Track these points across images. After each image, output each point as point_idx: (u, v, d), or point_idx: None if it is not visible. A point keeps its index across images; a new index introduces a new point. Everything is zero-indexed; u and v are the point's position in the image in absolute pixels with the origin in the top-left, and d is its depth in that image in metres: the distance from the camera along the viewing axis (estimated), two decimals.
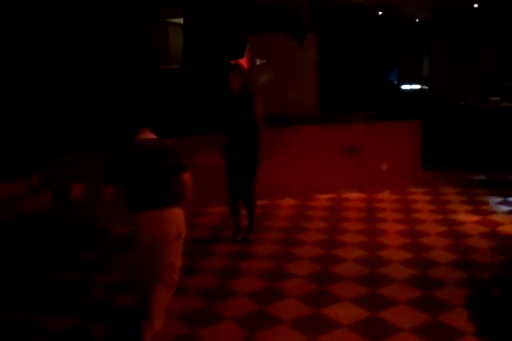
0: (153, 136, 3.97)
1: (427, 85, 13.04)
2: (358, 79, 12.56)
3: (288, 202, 7.41)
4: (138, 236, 3.85)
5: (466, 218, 6.58)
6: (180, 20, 10.96)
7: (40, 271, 5.27)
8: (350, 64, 12.62)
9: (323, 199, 7.52)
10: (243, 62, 8.70)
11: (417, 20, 13.51)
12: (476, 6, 10.59)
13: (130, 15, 9.54)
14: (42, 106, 7.66)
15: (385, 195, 7.66)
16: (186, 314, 4.37)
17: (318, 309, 4.38)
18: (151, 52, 10.92)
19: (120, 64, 9.03)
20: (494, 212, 6.78)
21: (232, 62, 6.18)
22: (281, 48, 9.96)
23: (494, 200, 7.26)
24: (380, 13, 12.04)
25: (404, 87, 13.45)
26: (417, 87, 13.32)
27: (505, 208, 6.94)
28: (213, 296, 4.68)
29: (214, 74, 8.44)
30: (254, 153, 5.76)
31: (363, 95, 11.86)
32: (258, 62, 9.44)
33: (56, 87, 7.98)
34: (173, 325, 4.16)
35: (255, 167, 5.80)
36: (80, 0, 8.34)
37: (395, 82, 13.91)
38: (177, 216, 3.89)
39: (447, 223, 6.41)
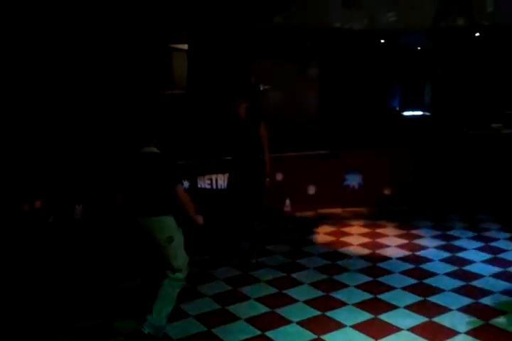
0: (155, 150, 4.29)
1: (428, 112, 13.10)
2: (360, 106, 12.64)
3: (289, 226, 7.39)
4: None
5: (469, 245, 6.56)
6: (185, 46, 11.14)
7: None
8: (352, 90, 12.72)
9: (325, 223, 7.50)
10: None
11: (419, 48, 13.69)
12: (477, 34, 10.74)
13: (137, 42, 9.70)
14: (47, 133, 7.74)
15: (385, 221, 7.64)
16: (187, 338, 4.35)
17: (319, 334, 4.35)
18: (155, 77, 11.06)
19: (127, 88, 9.15)
20: (497, 239, 6.75)
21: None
22: (283, 75, 10.07)
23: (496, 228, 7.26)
24: (382, 41, 12.20)
25: (406, 113, 13.51)
26: (419, 113, 13.38)
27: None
28: (213, 321, 4.64)
29: (218, 100, 8.54)
30: (259, 176, 5.79)
31: (365, 121, 11.92)
32: (261, 87, 9.56)
33: (63, 111, 8.08)
34: None
35: (260, 189, 5.83)
36: (87, 27, 8.50)
37: (397, 109, 13.99)
38: (165, 223, 4.19)
39: (449, 249, 6.39)
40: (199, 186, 7.01)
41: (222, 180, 7.06)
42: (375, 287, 5.29)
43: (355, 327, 4.46)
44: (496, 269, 5.71)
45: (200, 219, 4.31)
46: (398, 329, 4.40)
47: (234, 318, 4.68)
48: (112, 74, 9.11)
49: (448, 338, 4.25)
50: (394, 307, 4.83)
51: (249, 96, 5.95)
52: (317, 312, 4.75)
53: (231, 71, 9.58)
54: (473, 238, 6.80)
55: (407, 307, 4.81)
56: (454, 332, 4.34)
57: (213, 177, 7.10)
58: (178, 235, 4.24)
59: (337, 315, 4.70)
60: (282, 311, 4.79)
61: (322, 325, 4.53)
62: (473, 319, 4.56)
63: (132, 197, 4.24)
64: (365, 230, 7.20)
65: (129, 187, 4.27)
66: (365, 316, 4.66)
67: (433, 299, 4.99)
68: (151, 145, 4.27)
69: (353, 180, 7.78)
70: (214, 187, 7.14)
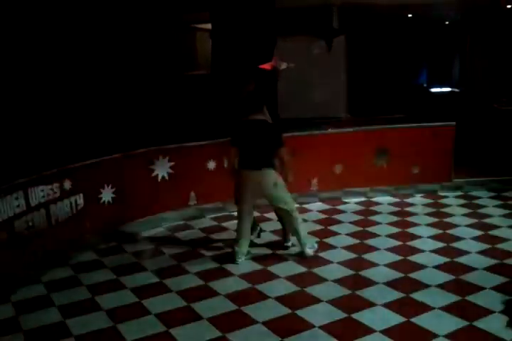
0: (262, 117, 5.29)
1: (457, 88, 12.84)
2: (387, 82, 12.43)
3: (317, 206, 7.34)
4: (242, 186, 5.36)
5: (500, 222, 6.44)
6: (208, 26, 11.02)
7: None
8: (379, 66, 12.51)
9: (353, 203, 7.44)
10: (267, 66, 8.65)
11: (447, 22, 13.33)
12: (509, 6, 10.36)
13: (160, 22, 9.63)
14: (73, 111, 7.79)
15: (416, 199, 7.55)
16: (216, 317, 4.37)
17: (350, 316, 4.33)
18: (179, 58, 11.00)
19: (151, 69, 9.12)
20: None
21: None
22: (310, 51, 9.90)
23: None
24: (410, 15, 11.90)
25: (434, 89, 13.26)
26: (447, 89, 13.12)
27: None
28: (242, 300, 4.63)
29: (242, 80, 8.44)
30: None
31: (392, 98, 11.73)
32: (285, 65, 9.40)
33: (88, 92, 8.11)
34: None
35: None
36: (109, 8, 8.46)
37: (425, 85, 13.74)
38: (271, 174, 5.29)
39: (481, 227, 6.28)
40: (225, 166, 6.98)
41: None
42: (404, 267, 5.24)
43: (387, 306, 4.43)
44: None
45: (291, 177, 5.36)
46: (430, 308, 4.36)
47: (264, 297, 4.68)
48: (135, 56, 9.09)
49: (482, 317, 4.19)
50: (425, 286, 4.78)
51: (258, 78, 5.89)
52: (348, 292, 4.73)
53: (255, 50, 9.44)
54: (505, 215, 6.67)
55: (438, 286, 4.76)
56: (487, 311, 4.27)
57: None
58: (280, 183, 5.32)
59: (369, 294, 4.67)
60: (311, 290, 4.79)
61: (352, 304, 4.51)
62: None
63: (245, 155, 5.27)
64: (394, 208, 7.12)
65: (242, 147, 5.27)
66: (397, 295, 4.61)
67: (466, 278, 4.93)
68: (258, 114, 5.26)
69: (380, 158, 7.64)
70: None
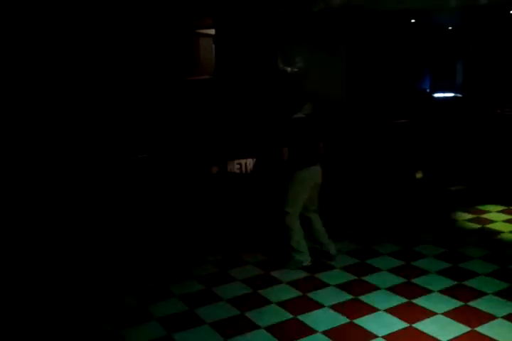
0: (301, 115, 5.31)
1: (460, 93, 12.82)
2: (390, 87, 12.43)
3: None
4: (301, 182, 5.22)
5: (503, 226, 6.43)
6: (212, 31, 11.05)
7: None
8: (382, 71, 12.51)
9: None
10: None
11: (450, 27, 13.34)
12: None
13: (163, 27, 9.66)
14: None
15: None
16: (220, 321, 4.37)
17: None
18: (182, 63, 11.03)
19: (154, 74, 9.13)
20: None
21: None
22: (311, 56, 9.91)
23: None
24: (413, 20, 11.92)
25: (437, 95, 13.24)
26: (451, 95, 13.10)
27: None
28: (246, 306, 4.65)
29: (246, 85, 8.48)
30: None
31: (395, 103, 11.72)
32: (289, 70, 9.45)
33: None
34: None
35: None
36: (114, 13, 8.49)
37: (427, 90, 13.71)
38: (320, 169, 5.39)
39: (484, 233, 6.28)
40: (229, 170, 7.00)
41: (251, 165, 7.03)
42: (408, 271, 5.26)
43: (388, 312, 4.42)
44: None
45: None
46: (433, 314, 4.36)
47: (266, 302, 4.68)
48: (138, 61, 9.10)
49: (485, 322, 4.18)
50: (429, 291, 4.79)
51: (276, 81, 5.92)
52: (349, 296, 4.73)
53: (258, 55, 9.47)
54: (509, 221, 6.66)
55: (442, 291, 4.76)
56: (491, 317, 4.26)
57: (242, 161, 7.07)
58: None
59: (370, 299, 4.67)
60: (314, 295, 4.79)
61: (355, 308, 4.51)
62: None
63: (300, 152, 5.20)
64: None
65: (295, 145, 5.19)
66: (398, 301, 4.62)
67: (467, 284, 4.93)
68: (299, 112, 5.30)
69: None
70: (243, 171, 7.12)
